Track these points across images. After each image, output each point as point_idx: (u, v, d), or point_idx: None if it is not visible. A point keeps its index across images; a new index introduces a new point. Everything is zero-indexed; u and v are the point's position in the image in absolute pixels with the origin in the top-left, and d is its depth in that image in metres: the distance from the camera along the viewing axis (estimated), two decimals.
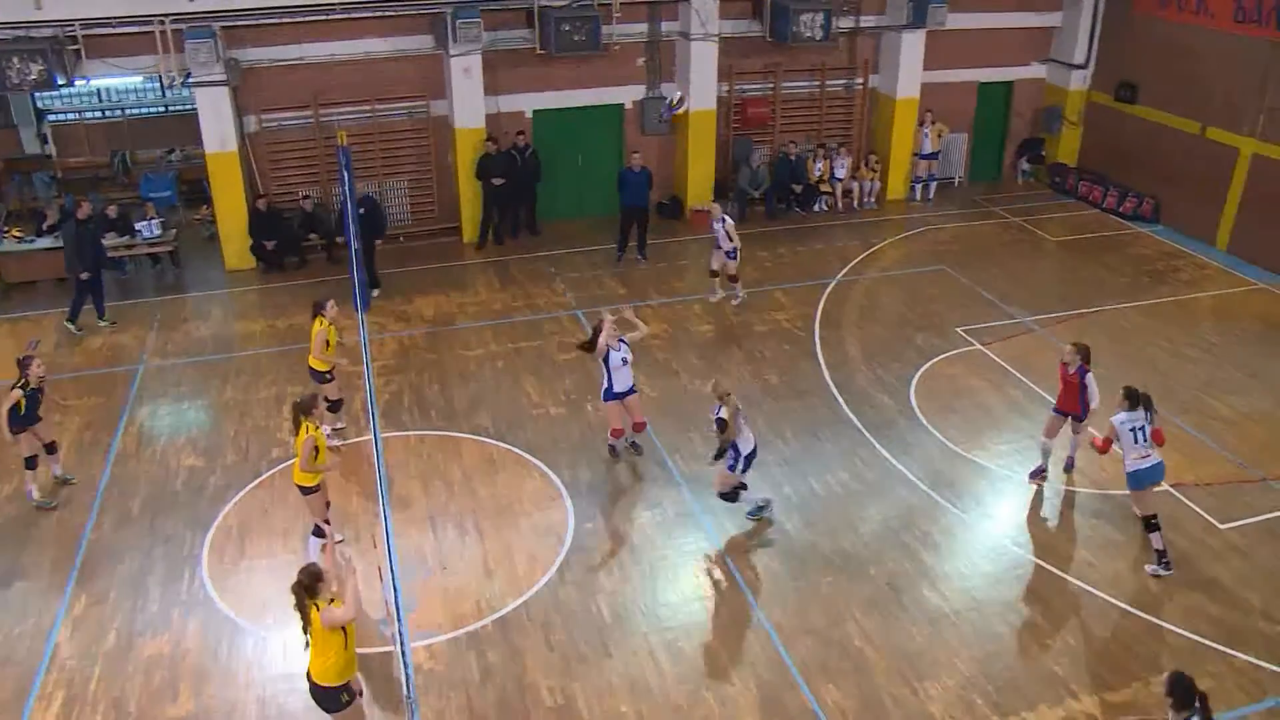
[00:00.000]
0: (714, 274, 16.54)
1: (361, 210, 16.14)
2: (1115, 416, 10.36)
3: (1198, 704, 7.00)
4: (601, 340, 11.51)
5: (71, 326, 15.83)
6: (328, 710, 7.78)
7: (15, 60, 15.60)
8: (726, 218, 15.90)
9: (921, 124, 20.90)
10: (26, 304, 16.75)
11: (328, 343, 12.00)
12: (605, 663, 9.29)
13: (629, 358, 11.83)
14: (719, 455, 10.80)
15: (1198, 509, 11.36)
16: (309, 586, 7.38)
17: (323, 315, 12.02)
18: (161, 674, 9.24)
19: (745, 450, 10.74)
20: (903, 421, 13.15)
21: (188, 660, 9.40)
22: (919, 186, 21.45)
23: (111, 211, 17.94)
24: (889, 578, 10.34)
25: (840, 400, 13.64)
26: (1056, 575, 10.40)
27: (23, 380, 11.42)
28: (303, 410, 9.83)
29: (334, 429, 12.47)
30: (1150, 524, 10.41)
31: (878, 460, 12.34)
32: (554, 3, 17.96)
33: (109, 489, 11.99)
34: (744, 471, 10.86)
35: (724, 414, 10.54)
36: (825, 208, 20.88)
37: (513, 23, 18.38)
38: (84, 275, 15.75)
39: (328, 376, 12.32)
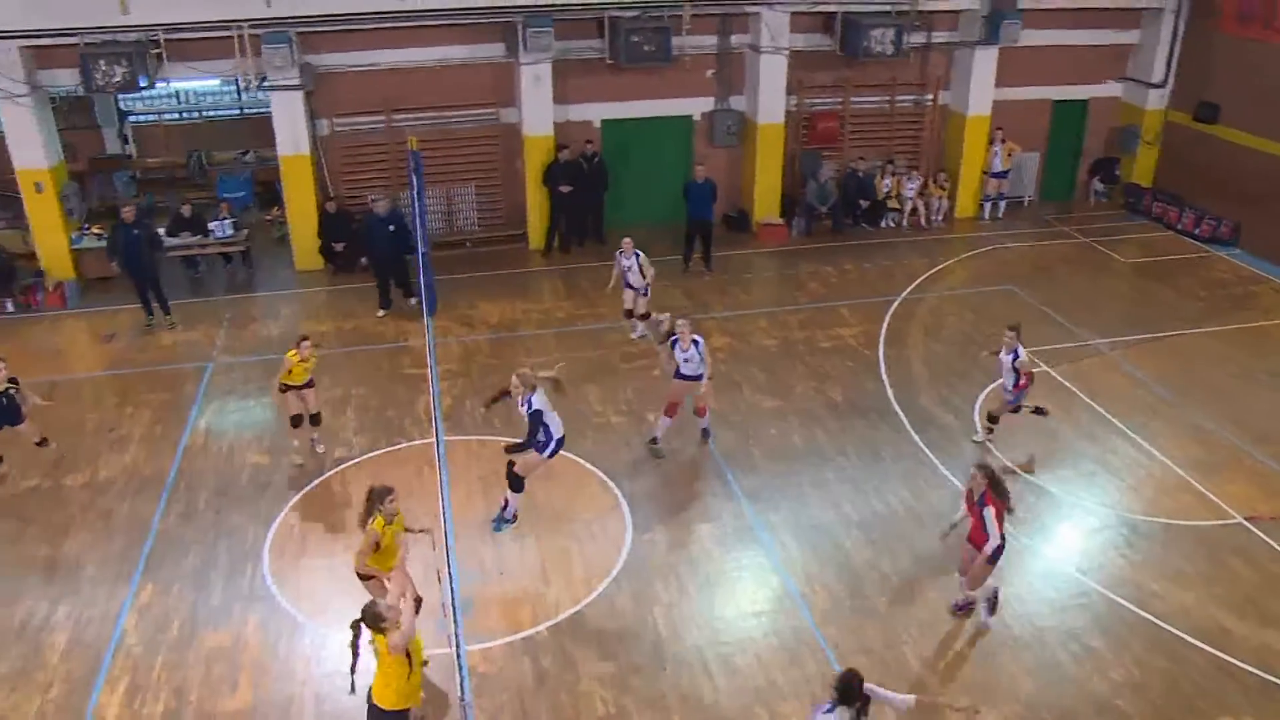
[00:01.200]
0: (629, 314, 15.62)
1: (391, 228, 16.37)
2: (1017, 357, 12.05)
3: (859, 703, 7.14)
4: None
5: (149, 320, 16.39)
6: None
7: (102, 63, 16.11)
8: (639, 253, 15.02)
9: (992, 142, 20.64)
10: (105, 299, 17.16)
11: (290, 371, 12.20)
12: (659, 675, 9.26)
13: (692, 357, 12.13)
14: (525, 445, 10.48)
15: (1271, 542, 11.04)
16: (371, 624, 7.40)
17: (296, 350, 12.20)
18: (221, 666, 9.40)
19: (557, 434, 10.54)
20: (967, 443, 12.96)
21: (247, 653, 9.56)
22: (988, 205, 21.19)
23: (186, 210, 18.36)
24: (949, 601, 10.18)
25: (904, 419, 13.48)
26: (1121, 605, 10.15)
27: None
28: (376, 499, 8.99)
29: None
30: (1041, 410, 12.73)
31: (940, 481, 12.16)
32: (625, 13, 18.04)
33: (177, 482, 12.23)
34: (551, 456, 10.63)
35: (537, 402, 10.35)
36: (892, 224, 20.70)
37: (583, 32, 18.50)
38: (116, 270, 16.57)
39: (282, 388, 12.42)
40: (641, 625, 9.86)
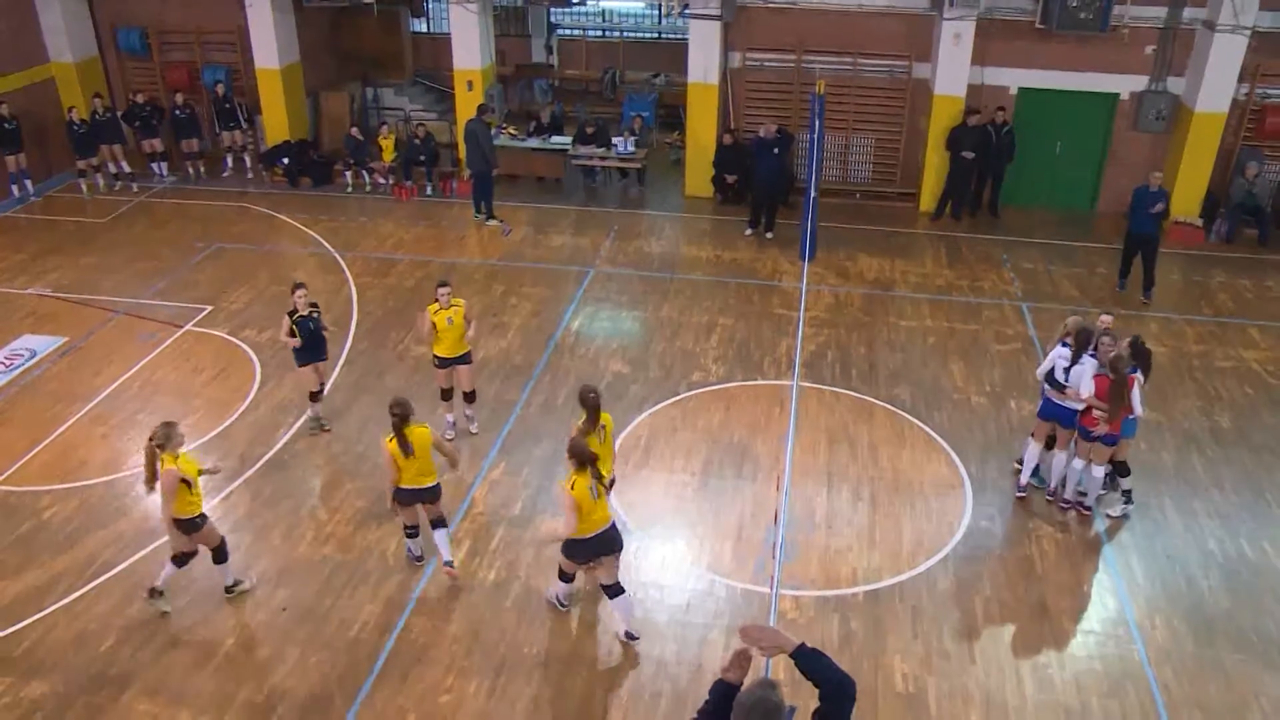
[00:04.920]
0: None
1: (775, 150, 16.57)
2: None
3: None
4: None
5: (481, 219, 17.75)
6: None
7: None
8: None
9: None
10: (509, 195, 18.56)
11: (436, 330, 11.11)
12: (967, 666, 8.91)
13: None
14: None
15: None
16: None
17: (435, 300, 11.19)
18: (551, 550, 9.96)
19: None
20: None
21: None
22: None
23: (589, 127, 19.46)
24: None
25: None
26: None
27: (292, 309, 11.19)
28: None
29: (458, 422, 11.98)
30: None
31: None
32: None
33: (542, 375, 13.16)
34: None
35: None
36: None
37: None
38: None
39: (437, 363, 11.48)
40: (961, 613, 9.49)
